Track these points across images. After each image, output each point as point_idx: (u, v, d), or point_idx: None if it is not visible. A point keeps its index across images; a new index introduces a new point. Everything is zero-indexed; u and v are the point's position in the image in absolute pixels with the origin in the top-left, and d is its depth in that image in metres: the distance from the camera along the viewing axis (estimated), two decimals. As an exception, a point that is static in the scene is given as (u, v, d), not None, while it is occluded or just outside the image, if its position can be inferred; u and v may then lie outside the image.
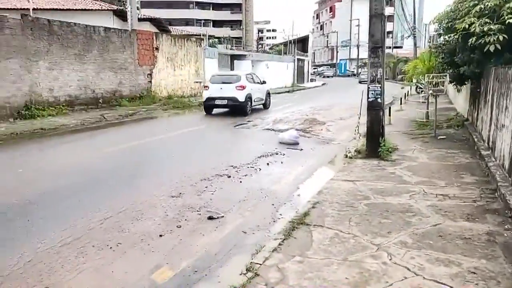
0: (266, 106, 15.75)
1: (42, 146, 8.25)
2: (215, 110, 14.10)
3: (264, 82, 15.66)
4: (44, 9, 18.59)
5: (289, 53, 40.25)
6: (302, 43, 48.05)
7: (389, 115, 10.72)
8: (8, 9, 18.32)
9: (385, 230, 3.77)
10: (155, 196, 5.02)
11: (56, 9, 18.83)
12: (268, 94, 16.08)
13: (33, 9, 15.30)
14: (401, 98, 16.25)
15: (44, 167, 6.47)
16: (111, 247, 3.62)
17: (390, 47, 55.76)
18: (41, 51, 11.85)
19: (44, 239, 3.72)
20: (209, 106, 13.95)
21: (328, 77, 58.46)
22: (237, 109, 13.56)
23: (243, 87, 13.50)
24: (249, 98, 13.70)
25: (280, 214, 4.49)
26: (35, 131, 9.70)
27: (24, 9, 16.94)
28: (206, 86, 14.16)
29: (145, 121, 12.36)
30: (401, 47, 58.85)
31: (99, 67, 14.16)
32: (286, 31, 55.47)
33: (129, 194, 5.06)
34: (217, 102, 13.62)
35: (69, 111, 12.58)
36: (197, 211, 4.54)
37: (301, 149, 8.02)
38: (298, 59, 38.78)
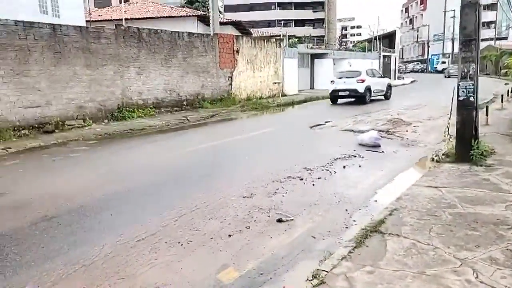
0: (387, 97, 18.62)
1: (130, 145, 8.99)
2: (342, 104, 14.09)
3: (384, 76, 18.99)
4: (134, 19, 20.36)
5: (374, 49, 38.59)
6: (388, 39, 45.81)
7: (486, 114, 9.67)
8: (105, 20, 20.41)
9: (472, 243, 3.38)
10: (227, 195, 5.14)
11: (146, 18, 20.47)
12: (389, 86, 19.06)
13: (126, 19, 16.83)
14: (502, 96, 14.56)
15: (131, 164, 7.04)
16: (182, 244, 3.79)
17: (492, 39, 50.39)
18: (132, 58, 12.95)
19: (123, 233, 4.03)
20: (334, 97, 17.65)
21: (416, 72, 55.09)
22: (358, 99, 16.94)
23: (363, 81, 16.73)
24: (368, 89, 16.90)
25: (354, 220, 4.29)
26: (125, 131, 10.63)
27: (118, 19, 18.73)
28: (332, 81, 17.72)
29: (224, 122, 12.81)
30: (505, 38, 52.78)
31: (183, 71, 15.03)
32: (371, 27, 53.31)
33: (203, 193, 5.26)
34: (341, 93, 17.17)
35: (156, 112, 13.56)
36: (267, 212, 4.54)
37: (382, 152, 7.61)
38: (384, 56, 36.96)
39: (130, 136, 10.15)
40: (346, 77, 17.27)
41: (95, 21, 20.35)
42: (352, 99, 17.39)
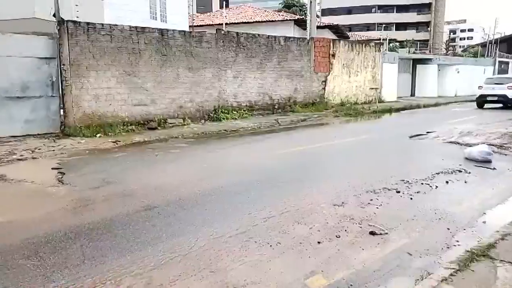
0: None
1: (224, 145, 9.45)
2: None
3: None
4: (234, 23, 21.34)
5: (488, 55, 35.02)
6: (507, 43, 41.19)
7: None
8: (206, 25, 21.74)
9: None
10: (317, 202, 5.11)
11: (244, 23, 21.33)
12: None
13: (226, 23, 17.74)
14: None
15: (225, 163, 7.40)
16: (271, 245, 3.87)
17: None
18: (229, 61, 13.61)
19: (216, 228, 4.25)
20: (481, 101, 18.94)
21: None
22: (506, 105, 18.11)
23: None
24: None
25: (457, 241, 3.96)
26: (220, 132, 11.20)
27: (218, 24, 19.81)
28: (480, 86, 18.94)
29: (315, 127, 12.75)
30: None
31: (277, 75, 15.33)
32: (486, 30, 48.48)
33: (293, 197, 5.30)
34: (489, 98, 18.46)
35: (248, 115, 14.05)
36: (359, 223, 4.42)
37: (494, 168, 6.88)
38: (500, 62, 33.33)
39: (224, 136, 10.66)
40: (495, 83, 18.66)
41: (197, 26, 21.82)
42: (499, 105, 18.57)
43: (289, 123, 13.20)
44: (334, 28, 25.12)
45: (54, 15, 9.90)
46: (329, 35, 22.40)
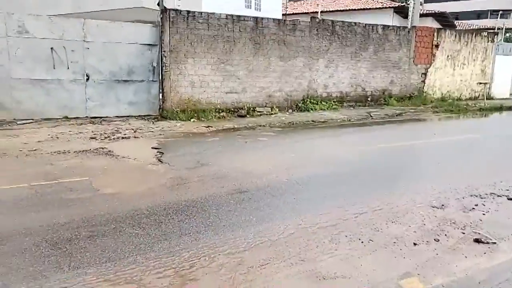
0: None
1: (312, 136, 9.40)
2: None
3: None
4: (329, 11, 20.94)
5: None
6: None
7: None
8: (299, 13, 21.66)
9: None
10: (412, 202, 4.87)
11: (340, 10, 20.81)
12: None
13: (321, 11, 17.48)
14: None
15: (313, 154, 7.37)
16: (362, 242, 3.79)
17: None
18: (322, 50, 13.42)
19: (305, 218, 4.28)
20: None
21: None
22: None
23: None
24: None
25: None
26: (307, 122, 11.16)
27: (312, 12, 19.60)
28: None
29: (411, 123, 12.05)
30: None
31: (372, 65, 14.74)
32: None
33: (385, 194, 5.11)
34: None
35: (338, 107, 13.77)
36: (461, 229, 4.11)
37: None
38: None
39: (311, 127, 10.60)
40: None
41: (290, 14, 21.83)
42: None
43: (382, 117, 12.65)
44: (439, 16, 23.28)
45: (158, 4, 10.66)
46: (432, 24, 20.86)
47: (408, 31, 15.63)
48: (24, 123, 9.22)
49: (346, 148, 7.97)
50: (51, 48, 9.67)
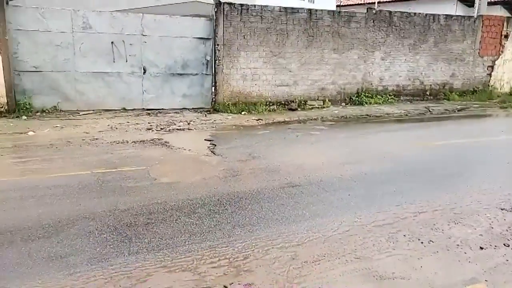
0: None
1: (366, 130, 9.12)
2: None
3: None
4: (386, 1, 20.16)
5: None
6: None
7: None
8: (354, 4, 21.07)
9: None
10: (478, 203, 4.58)
11: (398, 0, 19.96)
12: None
13: (378, 2, 16.86)
14: None
15: (368, 149, 7.15)
16: (422, 242, 3.62)
17: None
18: (378, 42, 12.95)
19: (360, 215, 4.16)
20: None
21: None
22: None
23: None
24: None
25: None
26: (361, 116, 10.85)
27: (369, 3, 18.97)
28: None
29: (475, 119, 11.33)
30: None
31: (432, 57, 14.02)
32: None
33: (446, 194, 4.85)
34: None
35: (394, 100, 13.26)
36: (535, 234, 3.80)
37: None
38: None
39: (365, 121, 10.29)
40: None
41: (345, 5, 21.28)
42: None
43: (442, 112, 12.01)
44: (508, 4, 21.62)
45: (213, -2, 10.81)
46: (500, 12, 19.41)
47: (474, 21, 14.66)
48: (86, 114, 9.76)
49: (403, 144, 7.65)
50: (112, 42, 10.12)
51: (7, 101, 9.12)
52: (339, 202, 4.53)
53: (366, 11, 12.76)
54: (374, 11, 12.94)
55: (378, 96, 13.07)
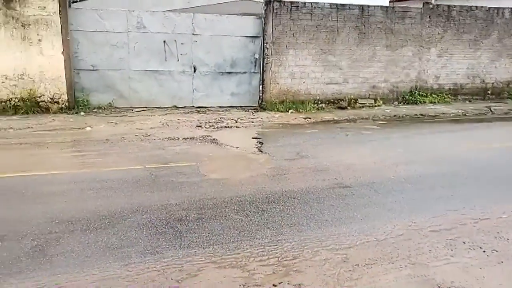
0: None
1: (421, 131, 8.74)
2: None
3: None
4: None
5: None
6: None
7: None
8: (409, -1, 20.22)
9: None
10: (547, 210, 4.23)
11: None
12: None
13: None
14: None
15: (421, 151, 6.84)
16: (484, 251, 3.41)
17: None
18: (435, 38, 12.36)
19: (415, 219, 3.99)
20: None
21: None
22: None
23: None
24: None
25: None
26: (415, 116, 10.41)
27: (425, -3, 18.13)
28: None
29: (541, 121, 10.52)
30: None
31: (496, 54, 13.17)
32: None
33: (508, 200, 4.54)
34: None
35: (451, 99, 12.61)
36: None
37: None
38: None
39: (420, 121, 9.87)
40: None
41: (398, 0, 20.50)
42: None
43: (506, 112, 11.25)
44: None
45: (262, -4, 10.82)
46: None
47: (542, 14, 13.60)
48: (139, 111, 10.14)
49: (462, 146, 7.25)
50: (164, 42, 10.42)
51: (68, 98, 9.67)
52: (392, 204, 4.37)
53: (422, 6, 12.23)
54: (431, 6, 12.37)
55: (434, 95, 12.48)
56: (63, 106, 9.63)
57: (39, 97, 9.41)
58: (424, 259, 3.25)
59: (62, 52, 9.38)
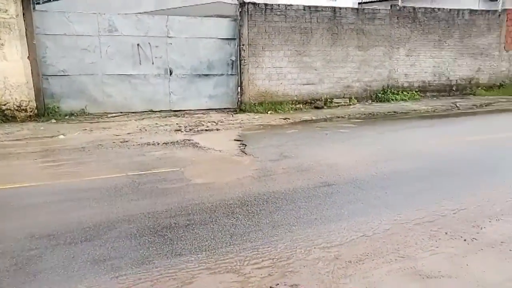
0: None
1: (394, 127, 8.98)
2: None
3: None
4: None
5: None
6: None
7: None
8: (378, 1, 20.75)
9: None
10: (519, 200, 4.45)
11: (420, -5, 19.50)
12: None
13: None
14: None
15: (397, 147, 7.03)
16: (465, 240, 3.54)
17: None
18: (403, 39, 12.75)
19: (400, 213, 4.09)
20: None
21: None
22: None
23: None
24: None
25: None
26: (388, 113, 10.70)
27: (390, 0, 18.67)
28: None
29: (504, 113, 11.01)
30: None
31: (457, 53, 13.73)
32: None
33: (484, 190, 4.74)
34: None
35: (420, 97, 13.05)
36: None
37: None
38: None
39: (393, 118, 10.14)
40: None
41: (367, 2, 21.00)
42: None
43: (470, 107, 11.74)
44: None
45: (236, -2, 10.84)
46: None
47: (499, 15, 14.27)
48: (113, 116, 9.92)
49: (435, 141, 7.50)
50: (137, 45, 10.26)
51: (36, 105, 9.29)
52: (376, 200, 4.47)
53: (389, 8, 12.58)
54: (398, 8, 12.75)
55: (404, 93, 12.88)
56: (31, 113, 9.26)
57: (4, 104, 8.98)
58: (412, 252, 3.34)
59: (28, 57, 9.03)
